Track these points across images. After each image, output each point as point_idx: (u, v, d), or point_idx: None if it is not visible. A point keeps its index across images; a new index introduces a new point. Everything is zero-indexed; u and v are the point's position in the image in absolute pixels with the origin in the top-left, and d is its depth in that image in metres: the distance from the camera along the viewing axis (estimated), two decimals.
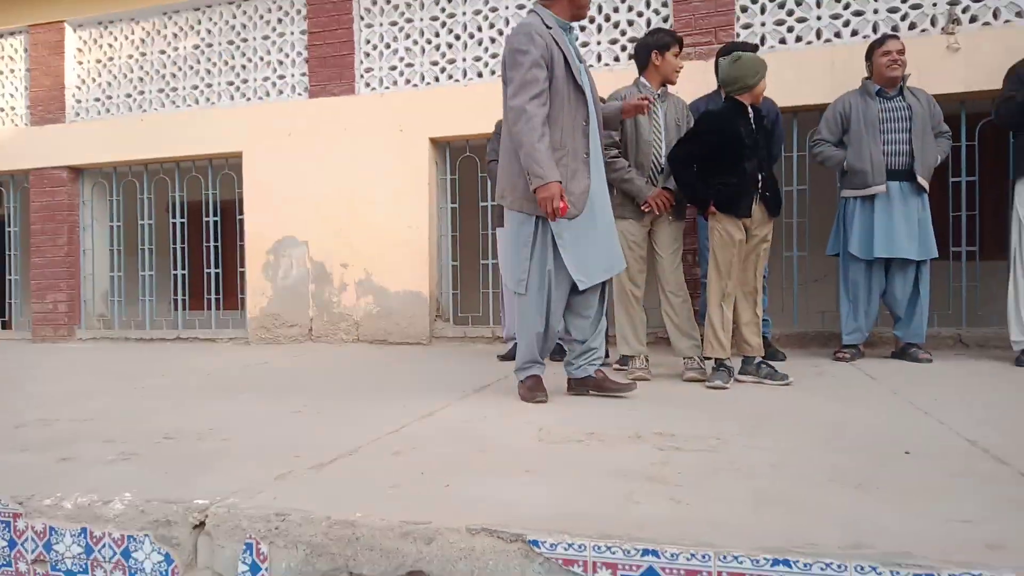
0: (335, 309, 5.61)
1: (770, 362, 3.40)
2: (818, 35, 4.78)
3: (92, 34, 6.53)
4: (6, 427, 2.70)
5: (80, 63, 6.58)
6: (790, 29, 4.82)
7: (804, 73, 4.59)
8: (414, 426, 2.54)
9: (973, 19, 4.46)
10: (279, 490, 1.81)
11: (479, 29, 5.46)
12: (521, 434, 2.37)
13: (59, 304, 6.43)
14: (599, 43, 5.21)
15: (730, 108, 3.27)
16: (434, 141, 5.50)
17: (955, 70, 4.37)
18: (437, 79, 5.56)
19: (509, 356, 4.37)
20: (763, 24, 4.86)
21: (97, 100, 6.51)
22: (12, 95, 6.75)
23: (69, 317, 6.44)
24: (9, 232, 6.81)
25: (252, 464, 2.07)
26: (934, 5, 4.53)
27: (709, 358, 3.31)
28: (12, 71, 6.76)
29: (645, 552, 1.35)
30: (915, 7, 4.59)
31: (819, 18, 4.77)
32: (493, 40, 5.42)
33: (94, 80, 6.52)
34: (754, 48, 3.91)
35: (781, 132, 4.14)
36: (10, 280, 6.86)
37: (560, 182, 2.77)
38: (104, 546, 1.74)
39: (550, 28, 2.87)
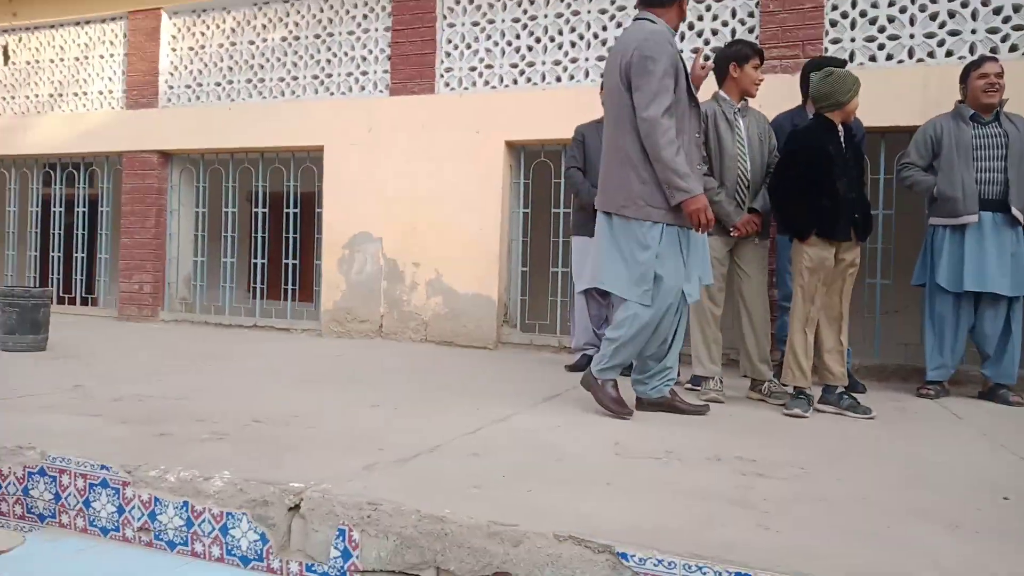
0: (405, 307, 5.72)
1: (852, 393, 3.31)
2: (910, 54, 4.63)
3: (186, 21, 6.81)
4: (105, 400, 2.86)
5: (174, 50, 6.87)
6: (881, 46, 4.68)
7: (894, 93, 4.45)
8: (489, 429, 2.59)
9: None
10: (368, 480, 1.88)
11: (560, 32, 5.48)
12: (597, 447, 2.39)
13: (144, 285, 6.73)
14: (681, 51, 5.14)
15: (819, 125, 3.21)
16: (510, 144, 5.55)
17: None
18: (516, 81, 5.60)
19: (577, 367, 4.38)
20: (852, 40, 4.74)
21: (188, 87, 6.79)
22: (111, 78, 7.10)
23: (153, 298, 6.73)
24: (101, 212, 7.16)
25: (339, 453, 2.15)
26: None
27: (787, 384, 3.25)
28: (112, 55, 7.10)
29: (738, 575, 1.36)
30: (1017, 28, 4.39)
31: (912, 36, 4.61)
32: (573, 44, 5.43)
33: (186, 67, 6.80)
34: (842, 64, 3.81)
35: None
36: (100, 259, 7.22)
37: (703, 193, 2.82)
38: (204, 520, 1.83)
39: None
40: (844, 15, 4.78)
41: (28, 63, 7.43)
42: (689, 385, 3.70)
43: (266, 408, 2.80)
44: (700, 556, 1.41)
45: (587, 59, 5.40)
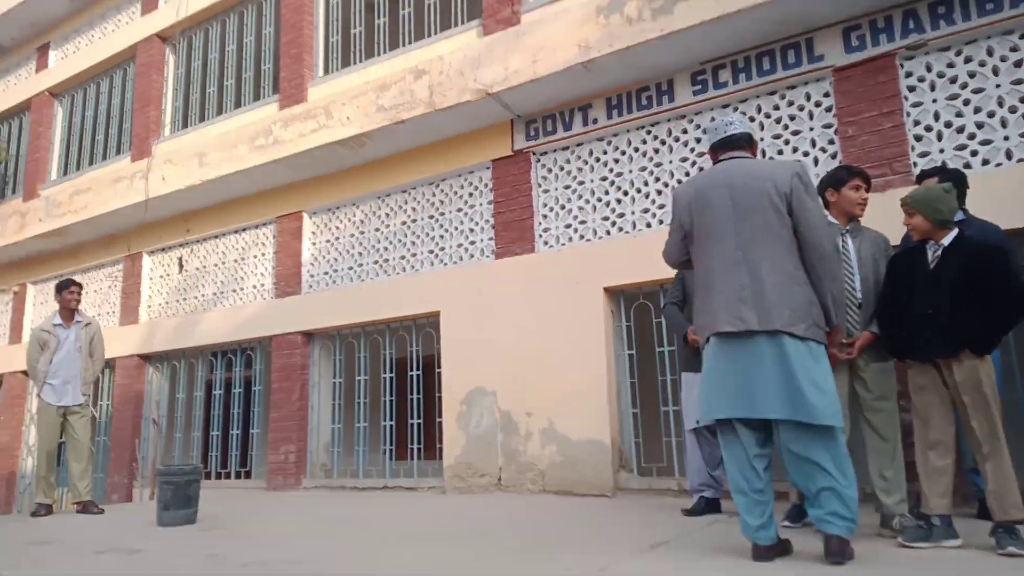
0: (521, 458, 5.80)
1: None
2: (1008, 155, 4.47)
3: (323, 219, 7.82)
4: (235, 565, 3.13)
5: (314, 244, 7.85)
6: (974, 153, 4.58)
7: (994, 196, 4.26)
8: None
9: None
10: None
11: (645, 184, 5.79)
12: None
13: (289, 455, 7.29)
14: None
15: (913, 246, 3.23)
16: (608, 291, 5.74)
17: None
18: (608, 232, 5.90)
19: (694, 511, 4.23)
20: (942, 151, 4.67)
21: (326, 274, 7.66)
22: (262, 274, 8.17)
23: (297, 467, 7.25)
24: (254, 391, 7.98)
25: None
26: None
27: (925, 515, 2.98)
28: (263, 255, 8.22)
29: None
30: None
31: (1006, 138, 4.49)
32: (659, 192, 5.71)
33: (324, 257, 7.72)
34: (952, 173, 3.76)
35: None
36: (252, 434, 7.94)
37: None
38: None
39: None
40: (928, 128, 4.75)
41: (197, 269, 8.74)
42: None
43: (374, 569, 2.94)
44: None
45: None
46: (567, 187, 6.18)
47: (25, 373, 10.06)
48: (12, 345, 10.46)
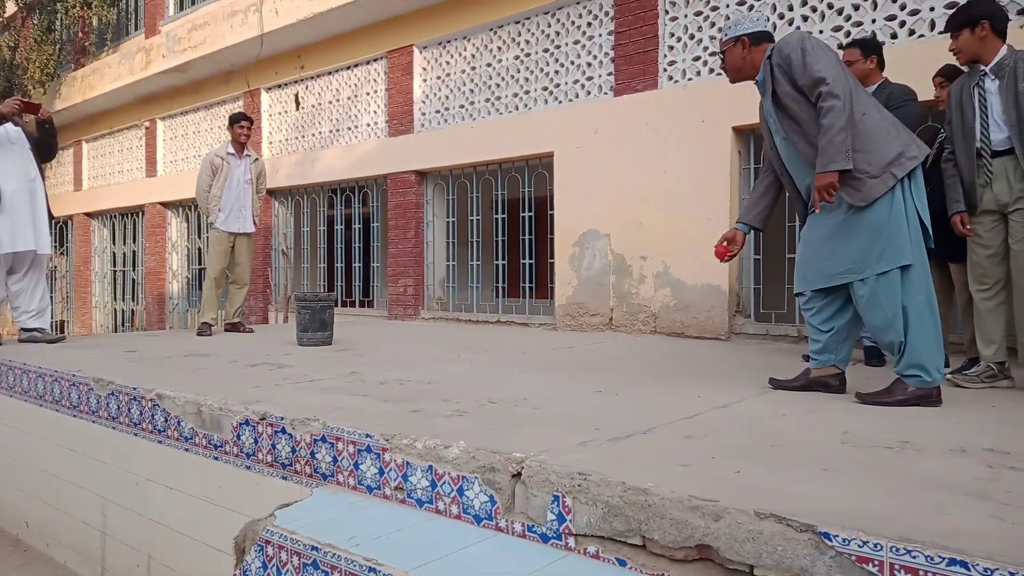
0: (633, 300, 5.82)
1: None
2: None
3: (434, 54, 7.61)
4: (374, 383, 3.37)
5: (424, 80, 7.70)
6: None
7: None
8: (708, 415, 2.60)
9: None
10: (581, 454, 2.03)
11: (789, 8, 5.20)
12: (822, 434, 2.30)
13: (408, 288, 7.65)
14: (821, 32, 4.89)
15: None
16: (737, 130, 5.38)
17: None
18: None
19: None
20: None
21: (437, 112, 7.57)
22: (375, 112, 8.17)
23: (415, 299, 7.63)
24: (373, 227, 8.28)
25: (558, 430, 2.33)
26: None
27: None
28: (376, 91, 8.17)
29: (952, 562, 1.27)
30: None
31: None
32: (805, 18, 5.12)
33: (435, 95, 7.59)
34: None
35: None
36: (373, 267, 8.35)
37: None
38: (444, 482, 2.12)
39: None
40: None
41: (313, 107, 8.84)
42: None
43: (501, 391, 3.09)
44: (910, 540, 1.34)
45: (821, 32, 5.06)
46: (698, 13, 5.65)
47: (164, 204, 10.86)
48: (149, 178, 11.20)
